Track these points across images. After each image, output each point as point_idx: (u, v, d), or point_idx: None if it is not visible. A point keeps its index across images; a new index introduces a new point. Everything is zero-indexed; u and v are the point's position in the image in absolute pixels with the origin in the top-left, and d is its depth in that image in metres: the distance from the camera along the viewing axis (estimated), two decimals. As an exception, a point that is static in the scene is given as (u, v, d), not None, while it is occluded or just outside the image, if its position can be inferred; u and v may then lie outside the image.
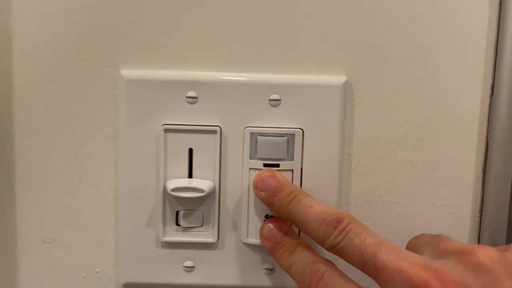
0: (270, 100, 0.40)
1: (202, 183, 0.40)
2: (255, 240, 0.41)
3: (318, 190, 0.41)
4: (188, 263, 0.42)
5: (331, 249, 0.35)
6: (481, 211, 0.42)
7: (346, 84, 0.41)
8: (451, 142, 0.42)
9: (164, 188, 0.40)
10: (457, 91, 0.41)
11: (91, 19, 0.40)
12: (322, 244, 0.35)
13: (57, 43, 0.40)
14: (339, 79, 0.41)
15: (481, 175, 0.42)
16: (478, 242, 0.43)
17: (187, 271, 0.42)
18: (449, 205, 0.43)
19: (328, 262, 0.36)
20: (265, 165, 0.40)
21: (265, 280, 0.42)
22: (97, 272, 0.43)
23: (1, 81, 0.41)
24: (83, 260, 0.43)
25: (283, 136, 0.40)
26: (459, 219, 0.43)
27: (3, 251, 0.43)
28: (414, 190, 0.42)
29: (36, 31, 0.40)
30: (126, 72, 0.40)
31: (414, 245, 0.38)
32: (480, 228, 0.42)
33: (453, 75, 0.41)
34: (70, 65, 0.41)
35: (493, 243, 0.42)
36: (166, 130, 0.40)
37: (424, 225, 0.43)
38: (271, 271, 0.42)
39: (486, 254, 0.31)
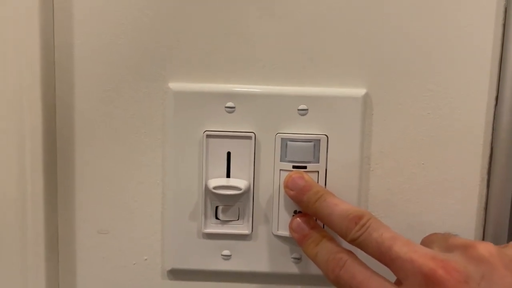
0: (298, 109, 0.46)
1: (239, 182, 0.46)
2: (285, 232, 0.47)
3: (341, 189, 0.46)
4: (226, 252, 0.48)
5: (353, 242, 0.40)
6: (485, 209, 0.48)
7: (366, 96, 0.46)
8: (459, 147, 0.47)
9: (206, 186, 0.46)
10: (464, 102, 0.46)
11: (144, 37, 0.46)
12: (344, 238, 0.41)
13: (114, 58, 0.46)
14: (360, 91, 0.46)
15: (486, 176, 0.47)
16: (483, 238, 0.48)
17: (225, 259, 0.48)
18: (457, 204, 0.48)
19: (349, 252, 0.41)
20: (294, 167, 0.46)
21: (293, 268, 0.48)
22: (146, 259, 0.49)
23: (64, 93, 0.47)
24: (134, 249, 0.49)
25: (310, 142, 0.46)
26: (466, 216, 0.48)
27: (64, 241, 0.49)
28: (426, 190, 0.47)
29: (95, 48, 0.46)
30: (174, 85, 0.46)
31: (427, 242, 0.43)
32: (484, 224, 0.48)
33: (461, 87, 0.46)
34: (126, 79, 0.46)
35: (497, 238, 0.47)
36: (207, 136, 0.46)
37: (435, 221, 0.48)
38: (298, 260, 0.48)
39: (486, 248, 0.37)
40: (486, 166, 0.47)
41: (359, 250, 0.40)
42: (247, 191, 0.46)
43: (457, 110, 0.46)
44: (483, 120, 0.46)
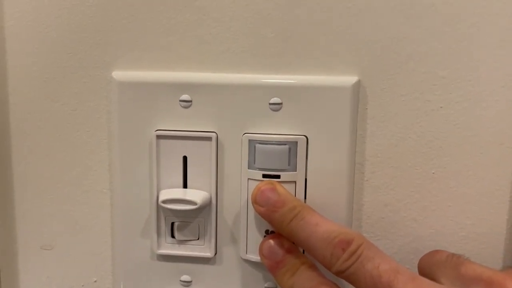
0: (270, 104, 0.36)
1: (196, 194, 0.37)
2: (255, 256, 0.38)
3: (325, 204, 0.37)
4: (185, 277, 0.39)
5: (340, 274, 0.31)
6: (517, 233, 0.37)
7: (358, 85, 0.36)
8: (483, 153, 0.36)
9: (157, 198, 0.38)
10: (490, 93, 0.35)
11: (83, 18, 0.38)
12: (329, 268, 0.32)
13: (50, 43, 0.38)
14: (349, 79, 0.36)
15: (518, 191, 0.36)
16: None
17: (184, 285, 0.40)
18: (479, 225, 0.37)
19: (333, 285, 0.32)
20: (264, 176, 0.36)
21: (267, 300, 0.39)
22: (95, 281, 0.42)
23: (-5, 84, 0.40)
24: (81, 268, 0.42)
25: (285, 144, 0.36)
26: (491, 241, 0.37)
27: (4, 256, 0.42)
28: (437, 206, 0.37)
29: (29, 32, 0.38)
30: (118, 74, 0.38)
31: (428, 264, 0.34)
32: (515, 253, 0.37)
33: (486, 74, 0.35)
34: (64, 67, 0.39)
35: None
36: (158, 137, 0.37)
37: (449, 246, 0.37)
38: (273, 290, 0.39)
39: None
40: (518, 177, 0.36)
41: (346, 283, 0.31)
42: (207, 205, 0.37)
43: (481, 103, 0.35)
44: (515, 117, 0.35)
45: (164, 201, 0.37)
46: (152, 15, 0.37)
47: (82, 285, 0.42)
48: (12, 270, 0.42)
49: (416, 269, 0.37)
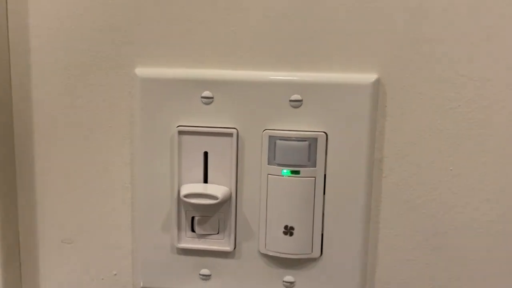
0: (290, 100, 0.37)
1: (217, 189, 0.38)
2: (274, 251, 0.38)
3: (343, 200, 0.37)
4: (204, 271, 0.40)
5: None
6: (535, 230, 0.37)
7: (377, 82, 0.36)
8: (500, 150, 0.36)
9: (179, 193, 0.38)
10: (507, 92, 0.35)
11: (106, 16, 0.38)
12: None
13: (73, 41, 0.39)
14: (369, 77, 0.36)
15: (536, 188, 0.36)
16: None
17: (203, 279, 0.40)
18: (497, 221, 0.37)
19: None
20: (285, 171, 0.37)
21: (285, 294, 0.39)
22: (115, 275, 0.42)
23: (19, 82, 0.40)
24: (102, 262, 0.42)
25: (305, 140, 0.37)
26: (509, 237, 0.37)
27: (25, 250, 0.43)
28: (455, 203, 0.37)
29: (53, 30, 0.39)
30: (141, 71, 0.38)
31: None
32: (533, 250, 0.37)
33: (503, 74, 0.35)
34: (89, 64, 0.39)
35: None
36: (180, 132, 0.38)
37: (466, 242, 0.38)
38: (291, 284, 0.39)
39: None
40: (537, 175, 0.36)
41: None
42: (227, 200, 0.38)
43: (500, 101, 0.36)
44: (533, 115, 0.35)
45: (186, 196, 0.37)
46: (175, 13, 0.38)
47: (102, 278, 0.43)
48: (33, 264, 0.43)
49: (434, 265, 0.38)
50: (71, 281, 0.43)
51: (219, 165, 0.38)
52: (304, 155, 0.37)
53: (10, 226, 0.42)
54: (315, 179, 0.37)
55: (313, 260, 0.38)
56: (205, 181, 0.39)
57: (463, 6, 0.35)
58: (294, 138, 0.37)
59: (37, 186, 0.42)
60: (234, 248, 0.39)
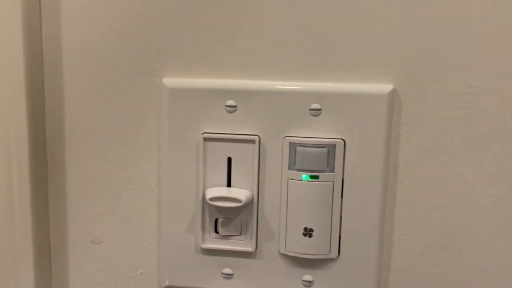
0: (310, 109, 0.39)
1: (240, 193, 0.40)
2: (293, 251, 0.40)
3: (360, 204, 0.39)
4: (227, 270, 0.42)
5: None
6: (542, 233, 0.39)
7: (393, 92, 0.38)
8: (510, 157, 0.38)
9: (203, 196, 0.41)
10: (517, 101, 0.37)
11: (135, 28, 0.41)
12: None
13: (104, 52, 0.41)
14: (385, 87, 0.38)
15: (543, 193, 0.38)
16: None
17: (226, 278, 0.42)
18: (506, 224, 0.39)
19: None
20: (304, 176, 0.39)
21: (304, 293, 0.41)
22: (141, 274, 0.45)
23: (52, 90, 0.43)
24: (128, 262, 0.44)
25: (323, 147, 0.39)
26: (517, 240, 0.39)
27: (55, 250, 0.45)
28: (466, 206, 0.39)
29: (84, 41, 0.42)
30: (168, 81, 0.41)
31: None
32: (540, 251, 0.39)
33: (513, 84, 0.37)
34: (118, 74, 0.42)
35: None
36: (205, 139, 0.40)
37: (476, 244, 0.40)
38: (309, 283, 0.41)
39: None
40: (544, 180, 0.38)
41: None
42: (249, 203, 0.40)
43: (508, 110, 0.38)
44: (541, 124, 0.37)
45: (211, 199, 0.39)
46: (200, 27, 0.40)
47: (129, 277, 0.45)
48: (62, 263, 0.45)
49: (445, 265, 0.40)
50: (99, 280, 0.45)
51: (242, 170, 0.40)
52: (323, 161, 0.39)
53: (42, 227, 0.44)
54: (333, 184, 0.39)
55: (331, 260, 0.41)
56: (229, 185, 0.41)
57: (475, 20, 0.37)
58: (313, 145, 0.39)
59: (68, 189, 0.44)
60: (256, 249, 0.41)
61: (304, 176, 0.39)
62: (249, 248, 0.41)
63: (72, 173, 0.44)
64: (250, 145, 0.40)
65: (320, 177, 0.39)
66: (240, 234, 0.41)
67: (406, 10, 0.37)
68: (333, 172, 0.39)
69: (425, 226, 0.40)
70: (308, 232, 0.40)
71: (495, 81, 0.37)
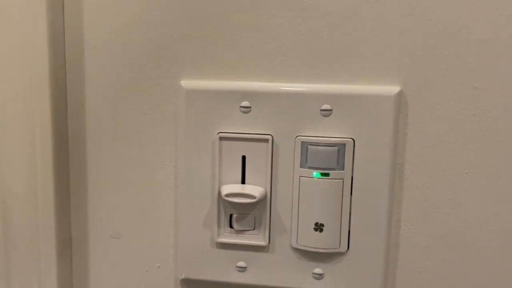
0: (321, 110, 0.41)
1: (254, 189, 0.42)
2: (305, 245, 0.42)
3: (368, 200, 0.41)
4: (241, 263, 0.44)
5: None
6: (542, 228, 0.41)
7: (400, 94, 0.40)
8: (511, 156, 0.40)
9: (219, 193, 0.43)
10: (519, 102, 0.39)
11: (155, 33, 0.43)
12: None
13: (124, 54, 0.44)
14: (393, 89, 0.40)
15: (544, 190, 0.40)
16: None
17: (240, 271, 0.44)
18: (507, 220, 0.41)
19: None
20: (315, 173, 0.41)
21: (314, 285, 0.43)
22: (158, 267, 0.47)
23: (74, 91, 0.45)
24: (146, 256, 0.47)
25: (334, 146, 0.41)
26: (518, 235, 0.41)
27: (76, 244, 0.47)
28: (469, 202, 0.41)
29: (106, 44, 0.44)
30: (186, 83, 0.43)
31: None
32: (540, 245, 0.41)
33: (515, 86, 0.39)
34: (137, 76, 0.44)
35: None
36: (221, 138, 0.42)
37: (480, 239, 0.41)
38: (320, 276, 0.43)
39: None
40: (544, 178, 0.40)
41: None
42: (263, 199, 0.42)
43: (509, 111, 0.39)
44: (541, 124, 0.39)
45: (227, 195, 0.42)
46: (216, 31, 0.42)
47: (147, 270, 0.47)
48: (83, 256, 0.48)
49: (449, 261, 0.41)
50: (118, 273, 0.47)
51: (256, 168, 0.42)
52: (333, 159, 0.41)
53: (63, 222, 0.46)
54: (343, 181, 0.41)
55: (341, 254, 0.43)
56: (243, 182, 0.43)
57: (479, 24, 0.39)
58: (324, 144, 0.41)
59: (89, 186, 0.46)
60: (269, 243, 0.43)
61: (315, 173, 0.41)
62: (262, 242, 0.43)
63: (93, 171, 0.46)
64: (263, 144, 0.42)
65: (330, 175, 0.41)
66: (253, 229, 0.43)
67: (412, 15, 0.39)
68: (343, 170, 0.41)
69: (430, 221, 0.42)
70: (319, 227, 0.42)
71: (499, 83, 0.39)
